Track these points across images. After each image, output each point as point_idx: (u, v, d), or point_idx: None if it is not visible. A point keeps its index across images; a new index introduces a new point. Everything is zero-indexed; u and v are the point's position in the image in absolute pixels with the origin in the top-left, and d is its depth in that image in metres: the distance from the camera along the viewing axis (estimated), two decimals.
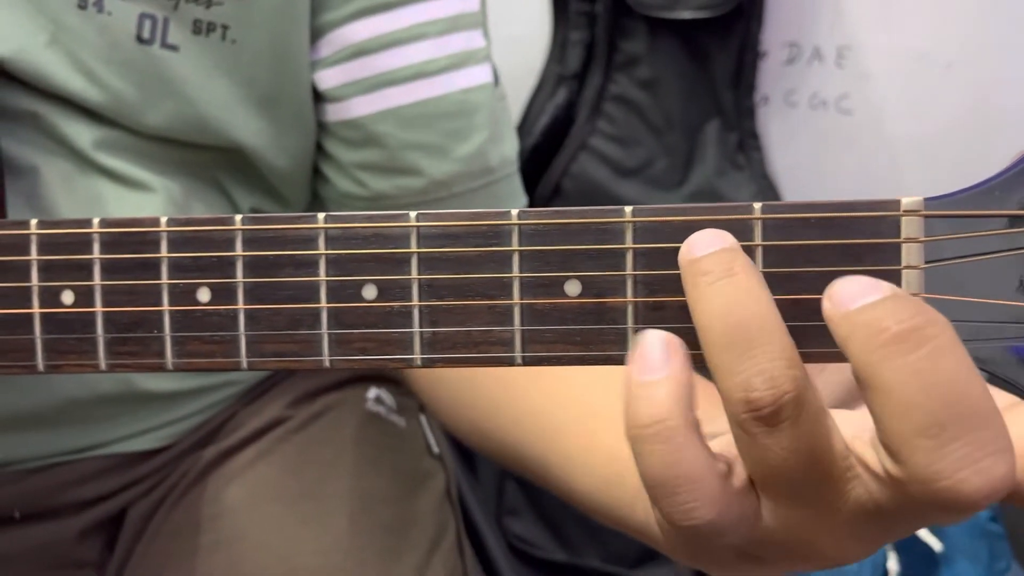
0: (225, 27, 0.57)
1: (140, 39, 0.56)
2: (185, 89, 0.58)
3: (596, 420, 0.50)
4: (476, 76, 0.62)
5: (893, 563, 1.03)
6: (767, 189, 1.27)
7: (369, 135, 0.61)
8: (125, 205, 0.59)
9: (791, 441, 0.31)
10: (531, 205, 1.31)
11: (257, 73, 0.59)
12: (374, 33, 0.60)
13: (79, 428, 0.65)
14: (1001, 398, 0.32)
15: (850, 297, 0.30)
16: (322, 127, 0.64)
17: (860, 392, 0.30)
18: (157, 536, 0.67)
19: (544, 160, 1.29)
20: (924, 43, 1.22)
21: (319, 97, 0.62)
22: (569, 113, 1.29)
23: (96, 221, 0.35)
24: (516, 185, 0.67)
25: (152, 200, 0.59)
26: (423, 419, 0.78)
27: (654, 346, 0.32)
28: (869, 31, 1.25)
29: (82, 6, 0.54)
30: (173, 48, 0.56)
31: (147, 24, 0.55)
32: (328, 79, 0.61)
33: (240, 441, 0.70)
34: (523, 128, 1.29)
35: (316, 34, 0.61)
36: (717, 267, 0.31)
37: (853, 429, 0.32)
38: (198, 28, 0.56)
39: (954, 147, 1.22)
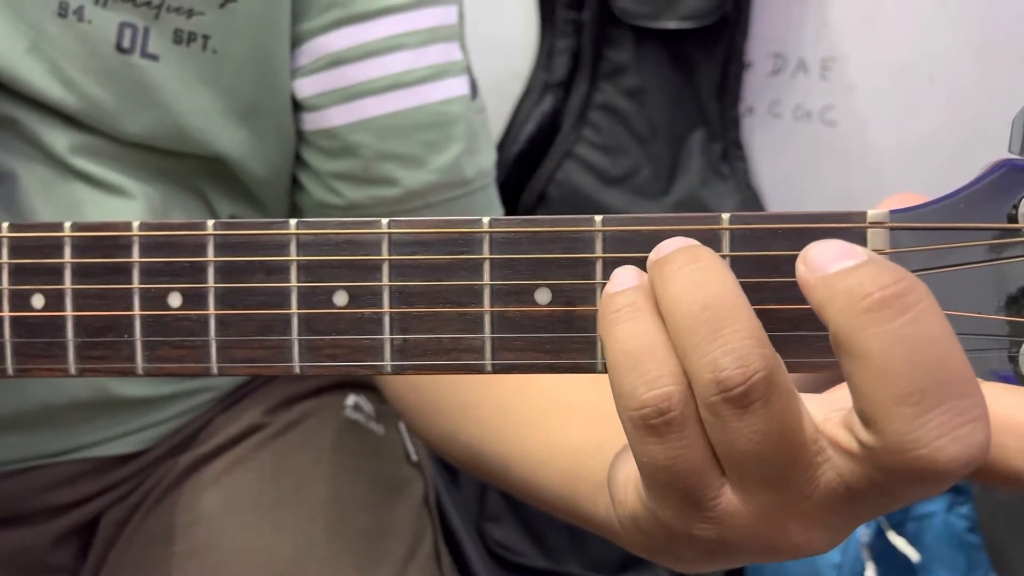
0: (206, 37, 0.57)
1: (120, 48, 0.55)
2: (165, 98, 0.57)
3: (557, 415, 0.50)
4: (453, 88, 0.62)
5: (871, 573, 1.04)
6: (751, 199, 1.28)
7: (345, 145, 0.61)
8: (104, 211, 0.59)
9: (762, 424, 0.30)
10: (516, 212, 1.31)
11: (238, 83, 0.59)
12: (352, 43, 0.60)
13: (54, 432, 0.64)
14: None
15: (827, 260, 0.29)
16: (299, 136, 0.63)
17: (837, 358, 0.30)
18: (131, 543, 0.67)
19: (530, 167, 1.30)
20: (907, 56, 1.23)
21: (296, 106, 0.62)
22: (555, 121, 1.30)
23: (67, 225, 0.35)
24: (492, 197, 0.67)
25: (131, 206, 0.59)
26: (402, 427, 0.78)
27: (625, 269, 0.33)
28: (853, 43, 1.26)
29: (62, 14, 0.54)
30: (153, 57, 0.56)
31: (127, 33, 0.55)
32: (305, 88, 0.61)
33: (216, 447, 0.70)
34: (509, 135, 1.29)
35: (295, 42, 0.61)
36: (683, 256, 0.32)
37: (823, 411, 0.32)
38: (179, 38, 0.56)
39: (936, 159, 1.23)
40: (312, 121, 0.62)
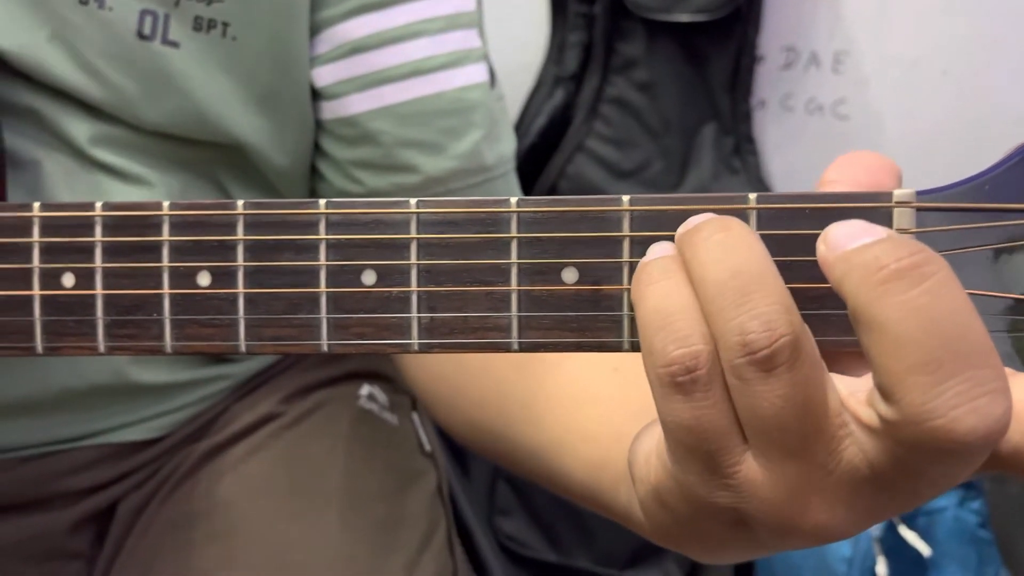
0: (226, 24, 0.57)
1: (141, 35, 0.56)
2: (185, 86, 0.58)
3: (584, 405, 0.50)
4: (473, 75, 0.62)
5: (882, 567, 1.04)
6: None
7: (365, 132, 0.61)
8: (125, 199, 0.59)
9: (786, 388, 0.30)
10: None
11: (257, 70, 0.59)
12: (371, 31, 0.60)
13: (72, 417, 0.65)
14: None
15: (846, 238, 0.30)
16: (318, 124, 0.64)
17: (856, 334, 0.30)
18: (148, 529, 0.67)
19: (541, 161, 1.30)
20: (920, 50, 1.23)
21: (315, 94, 0.62)
22: (566, 114, 1.30)
23: (99, 205, 0.36)
24: (513, 184, 0.67)
25: (152, 195, 0.59)
26: (415, 417, 0.78)
27: (660, 244, 0.33)
28: (866, 37, 1.26)
29: (83, 2, 0.54)
30: (174, 45, 0.56)
31: (148, 20, 0.56)
32: (324, 76, 0.61)
33: (233, 435, 0.70)
34: (520, 128, 1.29)
35: (313, 31, 0.61)
36: (713, 224, 0.32)
37: (849, 388, 0.32)
38: (199, 25, 0.57)
39: (949, 153, 1.23)
40: (331, 109, 0.62)
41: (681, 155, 1.28)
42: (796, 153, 1.31)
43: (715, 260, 0.31)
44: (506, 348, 0.34)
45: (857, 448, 0.31)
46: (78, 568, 0.69)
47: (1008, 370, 0.30)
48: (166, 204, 0.35)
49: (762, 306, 0.30)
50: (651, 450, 0.36)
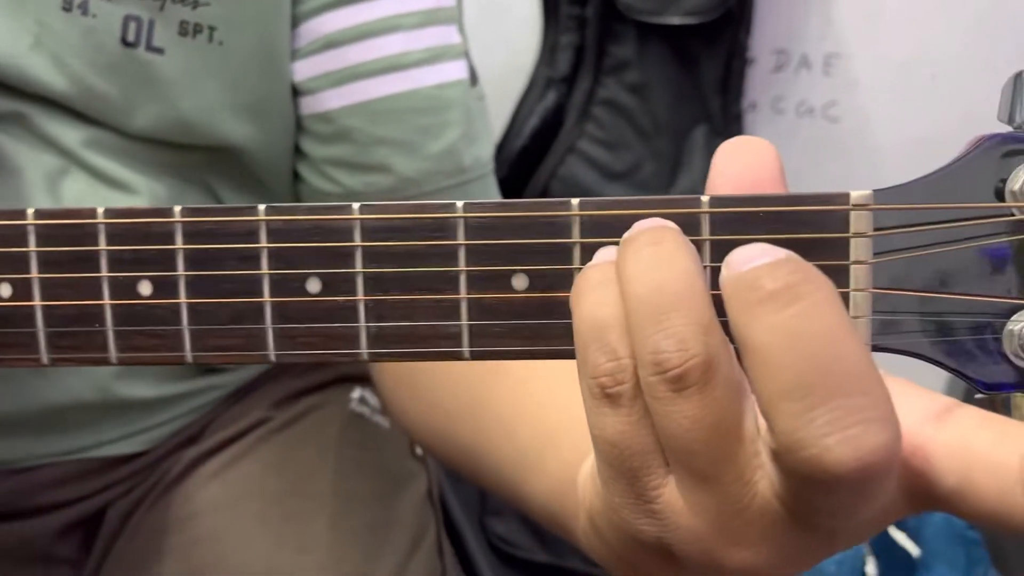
0: (212, 28, 0.56)
1: (125, 42, 0.54)
2: (171, 92, 0.56)
3: (554, 426, 0.48)
4: (450, 72, 0.61)
5: (871, 567, 1.03)
6: None
7: (339, 129, 0.60)
8: (111, 205, 0.58)
9: (696, 410, 0.29)
10: None
11: (244, 74, 0.58)
12: (346, 25, 0.58)
13: (60, 433, 0.63)
14: (938, 401, 0.30)
15: (743, 261, 0.29)
16: (297, 121, 0.62)
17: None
18: (136, 534, 0.67)
19: (532, 162, 1.29)
20: (911, 53, 1.23)
21: (294, 90, 0.61)
22: (558, 116, 1.29)
23: (30, 212, 0.34)
24: (491, 187, 0.66)
25: (136, 202, 0.58)
26: None
27: (607, 248, 0.32)
28: (857, 40, 1.25)
29: (66, 8, 0.53)
30: (159, 51, 0.55)
31: (132, 26, 0.54)
32: (302, 71, 0.60)
33: (222, 441, 0.69)
34: (512, 130, 1.28)
35: (293, 24, 0.59)
36: (645, 237, 0.31)
37: None
38: (184, 29, 0.55)
39: (938, 156, 1.22)
40: (307, 105, 0.60)
41: (672, 157, 1.27)
42: (787, 155, 1.28)
43: (640, 275, 0.30)
44: (458, 356, 0.33)
45: (768, 481, 0.30)
46: (65, 573, 0.68)
47: (953, 400, 0.29)
48: (100, 211, 0.34)
49: (678, 325, 0.29)
50: (588, 473, 0.35)
